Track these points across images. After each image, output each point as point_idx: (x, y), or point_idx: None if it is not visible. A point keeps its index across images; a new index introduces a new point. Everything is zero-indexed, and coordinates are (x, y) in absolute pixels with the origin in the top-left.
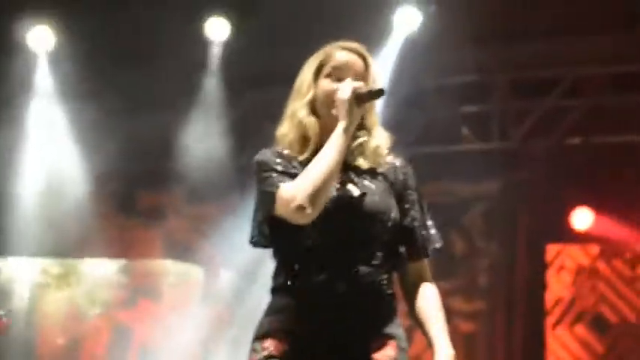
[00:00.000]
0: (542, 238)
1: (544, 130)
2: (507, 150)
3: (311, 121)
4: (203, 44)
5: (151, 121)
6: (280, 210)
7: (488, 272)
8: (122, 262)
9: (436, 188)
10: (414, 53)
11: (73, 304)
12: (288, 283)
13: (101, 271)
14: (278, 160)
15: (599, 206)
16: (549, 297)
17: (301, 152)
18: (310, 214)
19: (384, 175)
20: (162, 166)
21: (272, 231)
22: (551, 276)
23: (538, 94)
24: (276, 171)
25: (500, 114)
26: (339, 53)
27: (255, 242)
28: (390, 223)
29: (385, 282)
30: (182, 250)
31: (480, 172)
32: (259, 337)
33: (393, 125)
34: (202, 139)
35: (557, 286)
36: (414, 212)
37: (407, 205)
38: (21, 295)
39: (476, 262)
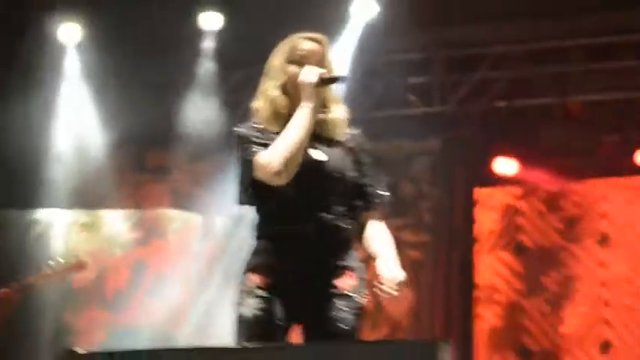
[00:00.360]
0: (475, 183)
1: (476, 96)
2: (446, 113)
3: (282, 99)
4: (199, 34)
5: (159, 98)
6: (259, 174)
7: (431, 211)
8: (136, 212)
9: (390, 145)
10: (371, 35)
11: (98, 246)
12: (269, 230)
13: (119, 219)
14: (255, 134)
15: (520, 156)
16: (479, 230)
17: (274, 125)
18: (284, 177)
19: (343, 143)
20: (168, 132)
21: (254, 191)
22: (479, 213)
23: (470, 67)
24: (254, 142)
25: (440, 84)
26: (304, 42)
27: (240, 202)
28: (348, 181)
29: (345, 226)
30: (185, 200)
31: (424, 131)
32: (247, 271)
33: (353, 94)
34: (201, 111)
35: (486, 221)
36: (368, 173)
37: (362, 167)
38: (56, 240)
39: (422, 204)
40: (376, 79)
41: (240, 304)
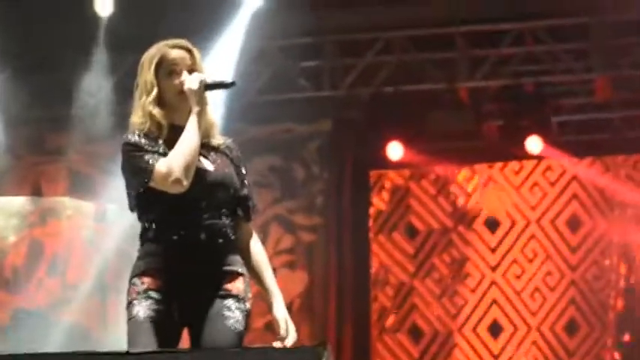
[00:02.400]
0: (366, 166)
1: (365, 80)
2: (337, 97)
3: (160, 113)
4: (94, 19)
5: (55, 79)
6: (158, 183)
7: (323, 194)
8: (30, 199)
9: (281, 128)
10: (261, 19)
11: None
12: (160, 235)
13: (14, 204)
14: (144, 141)
15: (408, 140)
16: (371, 212)
17: (160, 133)
18: (185, 185)
19: (225, 151)
20: (66, 113)
21: (146, 197)
22: (373, 195)
23: (360, 51)
24: (147, 151)
25: (331, 68)
26: (172, 51)
27: (132, 208)
28: (232, 191)
29: (231, 233)
30: (82, 182)
31: (315, 114)
32: (137, 275)
33: (244, 78)
34: (95, 93)
35: (378, 203)
36: (247, 184)
37: (242, 178)
38: None
39: (313, 186)
40: (267, 62)
41: (132, 305)
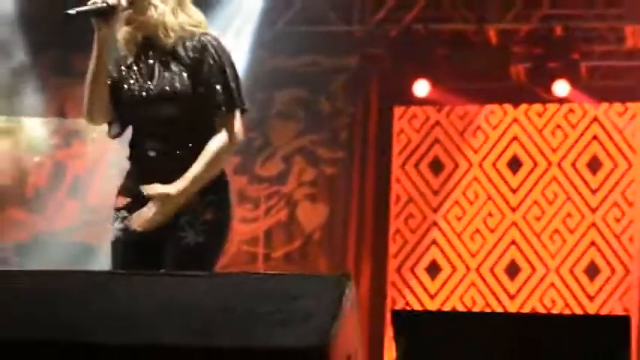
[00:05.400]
0: (391, 101)
1: (394, 17)
2: (365, 31)
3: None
4: None
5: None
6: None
7: (347, 128)
8: (57, 120)
9: (308, 61)
10: None
11: (17, 152)
12: (129, 154)
13: (40, 125)
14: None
15: (435, 78)
16: (396, 145)
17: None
18: (97, 122)
19: (180, 54)
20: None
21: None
22: (397, 130)
23: None
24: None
25: (361, 3)
26: None
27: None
28: (180, 100)
29: (180, 148)
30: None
31: (343, 49)
32: (116, 194)
33: (275, 7)
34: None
35: (403, 137)
36: (211, 80)
37: (203, 76)
38: None
39: (338, 120)
40: None
41: (111, 228)
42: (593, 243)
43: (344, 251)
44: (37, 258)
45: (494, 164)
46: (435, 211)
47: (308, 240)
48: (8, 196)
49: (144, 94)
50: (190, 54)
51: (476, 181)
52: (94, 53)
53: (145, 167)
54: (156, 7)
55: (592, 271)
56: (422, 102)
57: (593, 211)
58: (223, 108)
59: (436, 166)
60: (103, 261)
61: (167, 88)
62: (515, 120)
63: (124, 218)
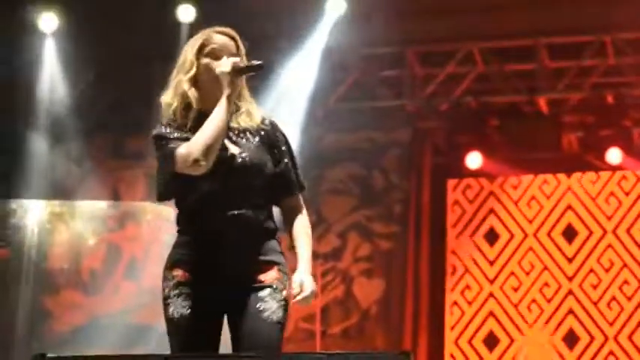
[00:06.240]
0: (444, 174)
1: (445, 91)
2: (416, 106)
3: (194, 93)
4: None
5: (135, 84)
6: (180, 166)
7: (401, 203)
8: (110, 203)
9: (361, 137)
10: (344, 27)
11: (73, 235)
12: (189, 225)
13: (94, 208)
14: (169, 130)
15: (487, 150)
16: (450, 219)
17: (184, 118)
18: (204, 166)
19: (258, 133)
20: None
21: (174, 186)
22: (449, 204)
23: (441, 62)
24: (172, 139)
25: (411, 77)
26: (216, 36)
27: (159, 197)
28: (265, 174)
29: (266, 220)
30: None
31: (395, 123)
32: (169, 267)
33: (326, 85)
34: None
35: (456, 211)
36: (285, 159)
37: (279, 157)
38: (32, 231)
39: (392, 195)
40: (348, 70)
41: (167, 304)
42: None
43: (401, 326)
44: (95, 341)
45: (549, 233)
46: (491, 282)
47: (365, 315)
48: (64, 279)
49: (239, 160)
50: (262, 128)
51: (531, 250)
52: (226, 106)
53: (219, 239)
54: None
55: None
56: (475, 174)
57: None
58: (297, 190)
59: (491, 237)
60: (159, 340)
61: (255, 159)
62: (569, 188)
63: (189, 295)
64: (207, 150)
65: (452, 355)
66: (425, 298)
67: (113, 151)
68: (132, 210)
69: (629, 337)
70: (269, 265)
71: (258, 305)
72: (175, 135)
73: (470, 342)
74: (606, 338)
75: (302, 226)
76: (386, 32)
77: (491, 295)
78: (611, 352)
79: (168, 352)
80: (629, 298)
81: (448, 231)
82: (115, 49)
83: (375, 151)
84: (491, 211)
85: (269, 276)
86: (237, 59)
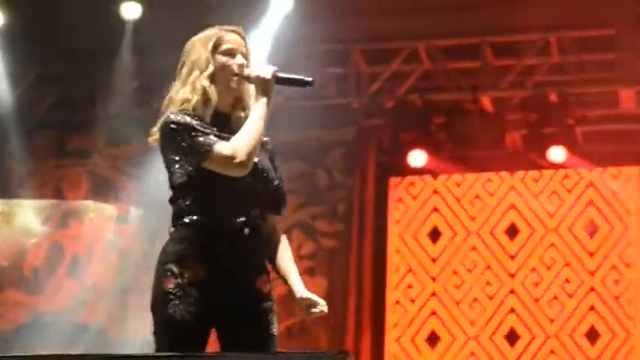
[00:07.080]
0: (388, 173)
1: (390, 88)
2: (361, 104)
3: (212, 89)
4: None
5: (79, 83)
6: (218, 164)
7: (345, 201)
8: (52, 202)
9: (306, 135)
10: (288, 25)
11: (16, 233)
12: (200, 220)
13: (37, 206)
14: (196, 121)
15: (431, 148)
16: (394, 218)
17: (204, 114)
18: (246, 169)
19: (262, 144)
20: (89, 116)
21: (195, 179)
22: (393, 202)
23: (385, 59)
24: (201, 131)
25: (356, 74)
26: (229, 34)
27: (174, 185)
28: (270, 183)
29: (263, 227)
30: (104, 185)
31: (340, 121)
32: (174, 261)
33: None
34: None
35: (400, 208)
36: (280, 176)
37: (277, 171)
38: None
39: (336, 193)
40: (291, 70)
41: (170, 299)
42: (592, 307)
43: (344, 324)
44: (38, 339)
45: (491, 231)
46: (434, 280)
47: None
48: (7, 277)
49: (259, 166)
50: (264, 140)
51: (474, 249)
52: (265, 112)
53: (227, 237)
54: None
55: (592, 335)
56: (419, 172)
57: (592, 274)
58: (284, 211)
59: (434, 235)
60: (99, 340)
61: (267, 167)
62: (512, 187)
63: (197, 300)
64: (251, 155)
65: (394, 354)
66: (368, 297)
67: (56, 149)
68: (75, 208)
69: (570, 335)
70: (265, 272)
71: (266, 318)
72: (207, 130)
73: (412, 340)
74: (547, 336)
75: (288, 252)
76: (331, 30)
77: (433, 293)
78: (552, 351)
79: (101, 352)
80: (571, 296)
81: (391, 229)
82: (58, 47)
83: (320, 149)
84: (435, 209)
85: (266, 285)
86: (275, 68)
